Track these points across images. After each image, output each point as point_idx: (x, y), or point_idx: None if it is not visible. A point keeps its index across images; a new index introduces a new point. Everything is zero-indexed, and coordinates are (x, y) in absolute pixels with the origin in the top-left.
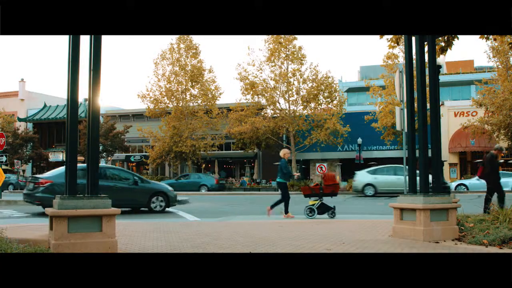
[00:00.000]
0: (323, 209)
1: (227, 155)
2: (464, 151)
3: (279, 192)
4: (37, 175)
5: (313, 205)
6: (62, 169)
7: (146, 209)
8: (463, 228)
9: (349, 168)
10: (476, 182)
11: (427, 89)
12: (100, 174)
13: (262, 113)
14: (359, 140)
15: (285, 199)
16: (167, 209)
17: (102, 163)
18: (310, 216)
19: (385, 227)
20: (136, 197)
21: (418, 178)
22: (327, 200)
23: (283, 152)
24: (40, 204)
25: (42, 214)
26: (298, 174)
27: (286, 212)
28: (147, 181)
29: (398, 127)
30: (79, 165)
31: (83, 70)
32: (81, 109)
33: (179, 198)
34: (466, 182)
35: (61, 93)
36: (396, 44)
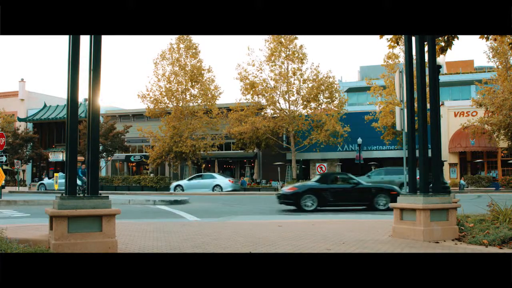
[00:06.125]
0: None
1: (227, 155)
2: (464, 151)
3: None
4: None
5: None
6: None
7: None
8: (463, 228)
9: (349, 168)
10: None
11: (427, 89)
12: None
13: (262, 113)
14: (359, 140)
15: None
16: None
17: (102, 163)
18: None
19: (385, 227)
20: None
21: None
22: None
23: None
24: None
25: (42, 214)
26: None
27: None
28: None
29: (398, 127)
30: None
31: (83, 70)
32: (81, 109)
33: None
34: (181, 183)
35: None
36: (396, 44)
